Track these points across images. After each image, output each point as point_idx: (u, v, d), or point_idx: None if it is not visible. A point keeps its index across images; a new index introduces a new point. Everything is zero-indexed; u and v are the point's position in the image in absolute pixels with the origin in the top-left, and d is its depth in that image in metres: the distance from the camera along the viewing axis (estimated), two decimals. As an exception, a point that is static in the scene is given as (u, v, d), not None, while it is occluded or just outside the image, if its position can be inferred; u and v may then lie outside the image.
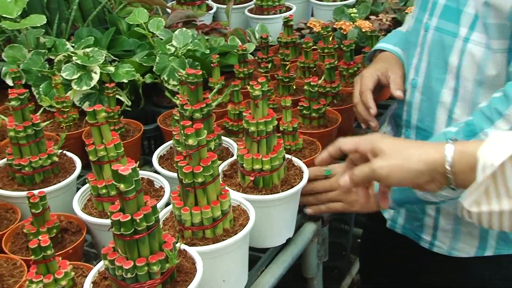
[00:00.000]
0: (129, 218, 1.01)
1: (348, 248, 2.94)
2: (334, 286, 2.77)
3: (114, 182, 1.03)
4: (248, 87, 1.30)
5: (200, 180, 1.15)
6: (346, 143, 1.15)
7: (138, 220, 1.02)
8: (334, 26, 2.31)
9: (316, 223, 1.51)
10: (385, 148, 1.05)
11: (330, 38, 2.06)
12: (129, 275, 1.03)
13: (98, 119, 1.28)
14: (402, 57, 1.58)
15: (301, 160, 1.46)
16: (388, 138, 1.09)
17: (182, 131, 1.17)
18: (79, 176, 1.53)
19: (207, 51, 2.00)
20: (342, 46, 1.97)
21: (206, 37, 2.25)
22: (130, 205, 1.02)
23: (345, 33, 2.26)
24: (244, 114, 1.34)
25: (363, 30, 2.23)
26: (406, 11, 2.47)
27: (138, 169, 1.29)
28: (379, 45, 1.67)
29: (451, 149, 0.97)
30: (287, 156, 1.42)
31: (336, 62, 1.86)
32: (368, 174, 1.06)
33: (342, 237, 2.95)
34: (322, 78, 1.78)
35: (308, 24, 2.40)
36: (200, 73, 1.41)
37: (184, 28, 2.01)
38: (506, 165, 0.88)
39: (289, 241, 1.43)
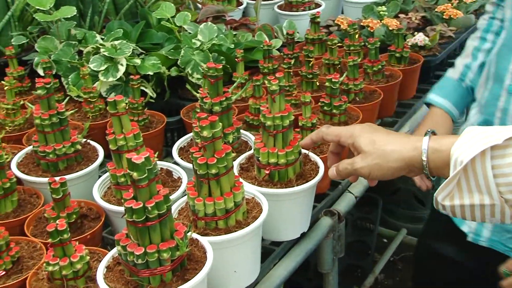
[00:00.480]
0: (141, 205, 1.04)
1: (373, 247, 2.93)
2: (358, 285, 2.77)
3: (128, 170, 1.05)
4: (266, 81, 1.31)
5: (213, 171, 1.17)
6: (328, 134, 1.18)
7: (149, 208, 1.04)
8: (362, 23, 2.31)
9: (332, 219, 1.52)
10: (363, 146, 1.08)
11: (356, 36, 2.07)
12: (140, 261, 1.06)
13: (118, 109, 1.31)
14: (453, 112, 1.62)
15: (318, 155, 1.47)
16: (367, 132, 1.10)
17: (198, 123, 1.19)
18: (102, 165, 1.57)
19: (232, 46, 2.02)
20: (367, 44, 1.97)
21: (234, 33, 2.27)
22: (143, 193, 1.04)
23: (372, 31, 2.25)
24: (261, 108, 1.35)
25: (390, 28, 2.22)
26: (436, 10, 2.45)
27: (156, 159, 1.33)
28: (431, 97, 1.68)
29: (427, 145, 1.00)
30: (303, 151, 1.43)
31: (359, 60, 1.86)
32: (351, 171, 1.11)
33: (367, 236, 2.94)
34: (344, 75, 1.78)
35: (335, 21, 2.41)
36: (220, 67, 1.43)
37: (209, 23, 2.03)
38: (477, 161, 0.90)
39: (303, 235, 1.44)
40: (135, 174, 1.03)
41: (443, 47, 2.29)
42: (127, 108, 1.69)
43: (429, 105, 1.69)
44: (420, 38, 2.23)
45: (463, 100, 1.65)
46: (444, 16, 2.40)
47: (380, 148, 1.06)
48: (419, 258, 1.81)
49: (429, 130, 1.05)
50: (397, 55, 2.09)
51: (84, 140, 1.60)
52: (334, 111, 1.68)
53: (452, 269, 1.60)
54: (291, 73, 1.82)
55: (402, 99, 2.11)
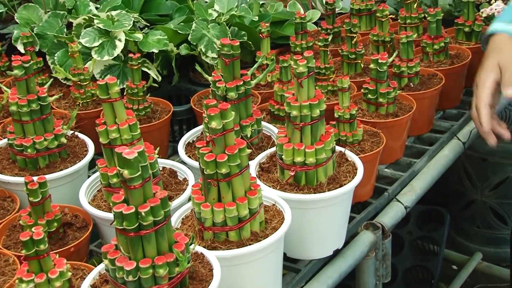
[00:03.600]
0: (133, 210, 1.09)
1: (437, 275, 2.94)
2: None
3: (118, 167, 1.10)
4: (292, 62, 1.36)
5: (224, 171, 1.21)
6: None
7: (143, 214, 1.09)
8: (423, -10, 2.34)
9: (374, 234, 1.55)
10: None
11: (415, 5, 2.09)
12: (130, 278, 1.11)
13: (110, 94, 1.36)
14: None
15: (359, 154, 1.50)
16: None
17: (205, 112, 1.24)
18: (93, 163, 1.63)
19: (257, 19, 2.07)
20: (427, 15, 1.99)
21: (262, 2, 2.32)
22: (135, 195, 1.09)
23: (435, -1, 2.28)
24: (286, 95, 1.39)
25: (459, -4, 2.25)
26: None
27: (156, 156, 1.38)
28: (494, 27, 1.73)
29: None
30: (339, 148, 1.47)
31: (415, 36, 1.88)
32: None
33: (430, 261, 2.95)
34: (395, 54, 1.81)
35: (390, -12, 2.44)
36: (237, 43, 1.47)
37: (229, -10, 2.09)
38: None
39: (337, 253, 1.48)
40: (126, 172, 1.08)
41: (528, 20, 2.29)
42: (124, 94, 1.77)
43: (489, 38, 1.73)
44: (498, 7, 2.24)
45: None
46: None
47: None
48: None
49: None
50: (467, 29, 2.11)
51: (71, 132, 1.67)
52: (380, 99, 1.71)
53: None
54: (328, 52, 1.86)
55: (471, 86, 2.13)
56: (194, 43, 1.96)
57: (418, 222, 3.02)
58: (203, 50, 1.95)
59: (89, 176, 1.54)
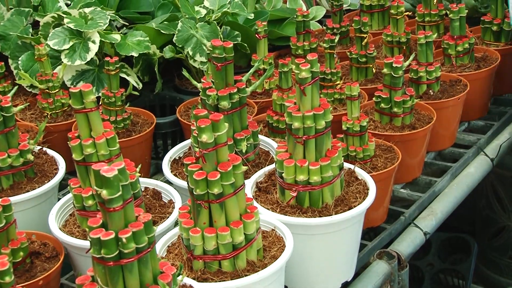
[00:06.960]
0: (112, 236, 1.11)
1: (463, 314, 2.96)
2: None
3: (95, 187, 1.13)
4: (293, 66, 1.38)
5: (216, 191, 1.23)
6: None
7: (124, 240, 1.11)
8: (443, -17, 2.37)
9: (389, 263, 1.57)
10: None
11: (435, 1, 2.13)
12: (109, 314, 1.13)
13: (85, 103, 1.39)
14: None
15: (370, 172, 1.53)
16: None
17: (195, 123, 1.26)
18: (63, 184, 1.66)
19: (252, 16, 2.10)
20: (449, 12, 2.02)
21: (258, -3, 2.36)
22: (115, 219, 1.11)
23: (458, -6, 2.32)
24: (286, 104, 1.42)
25: (485, -10, 2.29)
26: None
27: (138, 174, 1.41)
28: None
29: None
30: (347, 165, 1.50)
31: (435, 36, 1.92)
32: None
33: (455, 297, 2.97)
34: (411, 57, 1.84)
35: (406, -19, 2.48)
36: (231, 45, 1.50)
37: (220, -16, 2.13)
38: None
39: (346, 286, 1.50)
40: (104, 193, 1.10)
41: None
42: (99, 103, 1.79)
43: None
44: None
45: None
46: None
47: None
48: None
49: None
50: (495, 28, 2.14)
51: (39, 147, 1.69)
52: (395, 109, 1.74)
53: None
54: (335, 55, 1.88)
55: (500, 94, 2.16)
56: (180, 45, 1.99)
57: (440, 253, 3.03)
58: (191, 53, 1.98)
59: (59, 199, 1.55)
